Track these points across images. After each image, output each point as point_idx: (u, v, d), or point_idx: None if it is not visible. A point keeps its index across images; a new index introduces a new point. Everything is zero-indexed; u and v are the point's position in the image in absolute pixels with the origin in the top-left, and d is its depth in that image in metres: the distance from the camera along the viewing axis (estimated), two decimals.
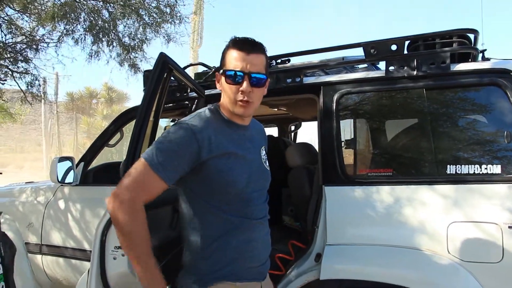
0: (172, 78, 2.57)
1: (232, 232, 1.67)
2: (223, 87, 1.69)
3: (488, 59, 2.49)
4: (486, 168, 2.17)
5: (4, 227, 3.70)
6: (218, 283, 1.66)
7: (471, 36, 2.46)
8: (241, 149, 1.72)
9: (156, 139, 1.64)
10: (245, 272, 1.70)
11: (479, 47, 2.55)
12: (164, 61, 2.15)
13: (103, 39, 5.80)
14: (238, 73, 1.62)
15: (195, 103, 2.92)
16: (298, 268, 2.43)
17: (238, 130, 1.75)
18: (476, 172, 2.18)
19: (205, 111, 1.74)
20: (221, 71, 1.69)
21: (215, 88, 3.01)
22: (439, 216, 2.17)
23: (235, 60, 1.64)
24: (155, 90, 2.14)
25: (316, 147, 3.34)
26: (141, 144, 2.21)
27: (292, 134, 5.44)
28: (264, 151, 1.89)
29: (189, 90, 3.05)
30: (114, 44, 5.88)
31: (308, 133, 5.44)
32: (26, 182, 4.73)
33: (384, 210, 2.28)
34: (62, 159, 3.53)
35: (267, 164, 1.87)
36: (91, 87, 20.17)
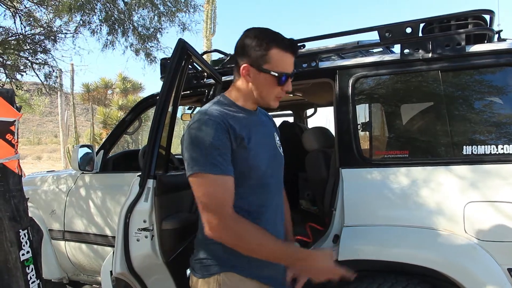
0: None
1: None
2: (262, 82, 1.67)
3: (504, 40, 2.48)
4: (502, 148, 2.17)
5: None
6: (228, 272, 1.66)
7: (487, 17, 2.45)
8: (258, 133, 1.74)
9: (190, 146, 1.59)
10: (253, 267, 1.68)
11: (495, 28, 2.53)
12: (183, 47, 2.19)
13: (119, 30, 5.84)
14: (288, 76, 1.66)
15: (213, 89, 2.96)
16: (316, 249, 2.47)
17: (251, 116, 1.76)
18: (492, 152, 2.19)
19: (215, 103, 1.73)
20: (262, 68, 1.65)
21: (231, 74, 3.07)
22: (456, 196, 2.18)
23: (286, 64, 1.66)
24: (174, 75, 2.19)
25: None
26: (162, 131, 2.26)
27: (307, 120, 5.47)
28: (277, 136, 1.91)
29: (205, 77, 3.09)
30: (130, 34, 5.92)
31: (321, 119, 5.47)
32: (47, 171, 4.84)
33: (401, 191, 2.30)
34: (83, 147, 3.62)
35: (281, 149, 1.89)
36: (106, 78, 20.31)
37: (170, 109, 2.32)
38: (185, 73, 2.37)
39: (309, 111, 5.46)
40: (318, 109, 5.34)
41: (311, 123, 5.45)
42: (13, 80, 5.92)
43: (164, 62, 3.24)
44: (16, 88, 6.04)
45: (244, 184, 1.67)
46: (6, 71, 5.64)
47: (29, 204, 3.88)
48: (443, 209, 2.19)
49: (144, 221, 2.16)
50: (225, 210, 1.55)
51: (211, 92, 2.96)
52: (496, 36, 2.56)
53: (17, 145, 2.27)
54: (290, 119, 5.36)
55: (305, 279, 1.76)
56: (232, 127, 1.62)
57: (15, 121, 2.24)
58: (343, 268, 1.65)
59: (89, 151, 3.63)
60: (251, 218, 1.65)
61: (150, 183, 2.18)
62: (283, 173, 1.89)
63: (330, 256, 1.65)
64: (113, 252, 2.22)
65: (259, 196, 1.71)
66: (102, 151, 3.69)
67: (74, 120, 19.54)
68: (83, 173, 3.74)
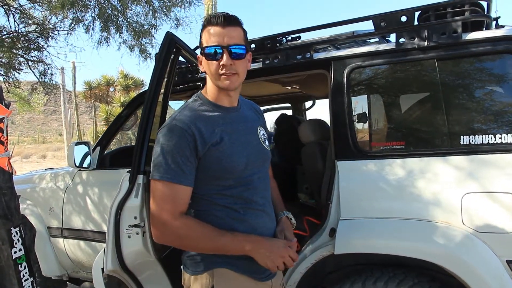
0: (184, 60, 2.57)
1: (236, 220, 1.66)
2: (205, 66, 1.66)
3: (502, 27, 2.43)
4: (500, 138, 2.13)
5: (26, 212, 3.80)
6: (220, 268, 1.65)
7: (484, 3, 2.40)
8: (234, 132, 1.70)
9: (155, 148, 1.63)
10: (245, 264, 1.67)
11: (493, 14, 2.48)
12: (171, 39, 2.15)
13: (112, 26, 5.78)
14: (217, 48, 1.59)
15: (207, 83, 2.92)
16: (313, 243, 2.43)
17: (228, 113, 1.72)
18: (490, 142, 2.14)
19: (189, 103, 1.72)
20: (201, 51, 1.65)
21: None
22: (453, 187, 2.14)
23: (212, 36, 1.60)
24: (163, 69, 2.15)
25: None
26: (151, 125, 2.23)
27: (306, 112, 5.43)
28: (262, 130, 1.87)
29: (200, 71, 3.05)
30: (124, 29, 5.87)
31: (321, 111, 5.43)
32: (46, 169, 4.83)
33: (397, 183, 2.26)
34: (79, 144, 3.59)
35: (267, 143, 1.85)
36: (108, 75, 20.29)
37: (160, 103, 2.28)
38: (175, 66, 2.33)
39: (308, 104, 5.42)
40: (322, 101, 5.30)
41: (314, 116, 5.41)
42: (9, 78, 5.90)
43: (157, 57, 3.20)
44: (14, 86, 6.04)
45: (224, 184, 1.66)
46: (1, 69, 5.62)
47: (27, 201, 3.90)
48: (440, 201, 2.15)
49: (135, 218, 2.13)
50: (169, 218, 1.57)
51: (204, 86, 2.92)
52: (494, 23, 2.51)
53: (6, 143, 2.25)
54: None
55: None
56: (200, 131, 1.60)
57: (3, 118, 2.21)
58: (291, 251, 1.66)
59: (86, 148, 3.60)
60: (237, 215, 1.66)
61: (140, 179, 2.16)
62: (269, 167, 1.88)
63: (280, 245, 1.66)
64: (104, 249, 2.20)
65: (242, 194, 1.68)
66: (98, 148, 3.67)
67: (77, 118, 19.59)
68: (80, 170, 3.72)
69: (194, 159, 1.59)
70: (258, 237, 1.64)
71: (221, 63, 1.60)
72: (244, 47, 1.64)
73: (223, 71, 1.61)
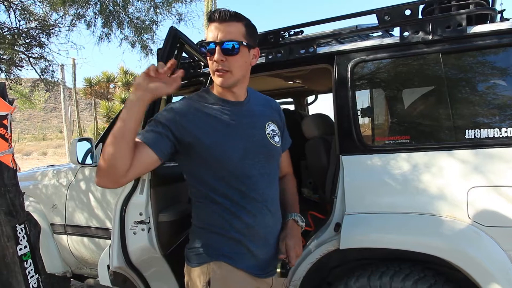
0: (186, 55, 2.56)
1: (231, 213, 1.66)
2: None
3: (507, 19, 2.41)
4: (506, 132, 2.12)
5: (29, 209, 3.79)
6: (217, 261, 1.67)
7: None
8: (234, 124, 1.70)
9: None
10: (242, 258, 1.70)
11: (497, 7, 2.47)
12: (174, 34, 2.14)
13: (113, 22, 5.77)
14: (211, 44, 1.61)
15: (210, 78, 2.92)
16: (318, 238, 2.43)
17: (232, 106, 1.72)
18: (496, 135, 2.14)
19: (192, 95, 1.75)
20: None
21: None
22: (459, 181, 2.13)
23: (210, 32, 1.63)
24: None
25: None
26: None
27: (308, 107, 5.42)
28: (272, 126, 1.85)
29: (202, 66, 3.04)
30: (125, 25, 5.86)
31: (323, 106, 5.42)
32: (48, 166, 4.82)
33: (403, 178, 2.25)
34: (81, 140, 3.58)
35: (276, 139, 1.83)
36: (108, 72, 20.27)
37: (164, 100, 2.28)
38: (179, 61, 2.32)
39: (310, 98, 5.41)
40: (324, 96, 5.28)
41: (315, 110, 5.41)
42: (11, 75, 5.88)
43: (160, 52, 3.20)
44: (16, 83, 6.02)
45: (217, 175, 1.66)
46: (3, 66, 5.61)
47: (30, 198, 3.90)
48: (445, 195, 2.14)
49: (140, 214, 2.13)
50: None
51: (208, 81, 2.91)
52: (499, 15, 2.49)
53: (10, 139, 2.24)
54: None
55: (297, 252, 1.74)
56: (192, 119, 1.62)
57: (7, 115, 2.21)
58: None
59: (88, 144, 3.59)
60: (233, 208, 1.67)
61: (146, 175, 2.15)
62: (278, 164, 1.87)
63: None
64: (110, 246, 2.19)
65: (238, 187, 1.68)
66: (101, 144, 3.65)
67: (77, 115, 19.57)
68: (82, 166, 3.71)
69: (173, 134, 1.59)
70: None
71: (213, 58, 1.61)
72: (237, 42, 1.61)
73: (215, 67, 1.63)
